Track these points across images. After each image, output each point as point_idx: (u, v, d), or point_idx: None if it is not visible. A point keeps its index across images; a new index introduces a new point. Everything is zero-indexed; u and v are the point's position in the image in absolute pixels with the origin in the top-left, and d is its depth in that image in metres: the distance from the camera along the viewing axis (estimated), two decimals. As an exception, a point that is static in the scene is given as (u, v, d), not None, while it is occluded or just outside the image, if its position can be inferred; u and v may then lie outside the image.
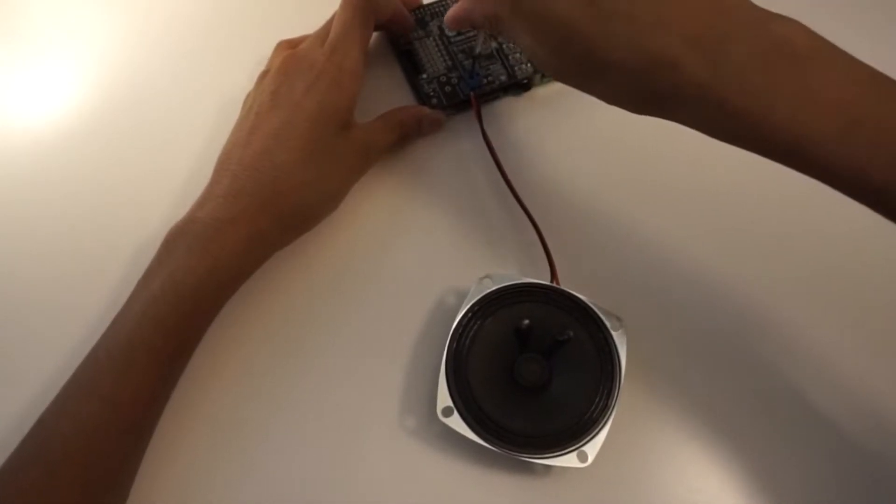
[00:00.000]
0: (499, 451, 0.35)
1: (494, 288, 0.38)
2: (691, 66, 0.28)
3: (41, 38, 0.47)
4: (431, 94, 0.44)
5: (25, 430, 0.32)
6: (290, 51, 0.40)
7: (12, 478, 0.31)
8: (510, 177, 0.41)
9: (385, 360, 0.39)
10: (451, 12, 0.36)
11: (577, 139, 0.44)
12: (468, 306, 0.37)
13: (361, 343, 0.39)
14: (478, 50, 0.43)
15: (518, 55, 0.44)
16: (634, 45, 0.28)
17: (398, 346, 0.39)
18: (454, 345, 0.37)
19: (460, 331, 0.37)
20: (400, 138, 0.42)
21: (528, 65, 0.44)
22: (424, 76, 0.44)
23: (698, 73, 0.28)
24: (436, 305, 0.40)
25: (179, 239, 0.35)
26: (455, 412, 0.35)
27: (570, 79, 0.32)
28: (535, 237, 0.40)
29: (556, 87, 0.46)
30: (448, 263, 0.41)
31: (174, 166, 0.43)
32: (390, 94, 0.45)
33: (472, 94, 0.43)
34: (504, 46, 0.45)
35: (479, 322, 0.37)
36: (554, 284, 0.39)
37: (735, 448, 0.38)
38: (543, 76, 0.45)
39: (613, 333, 0.37)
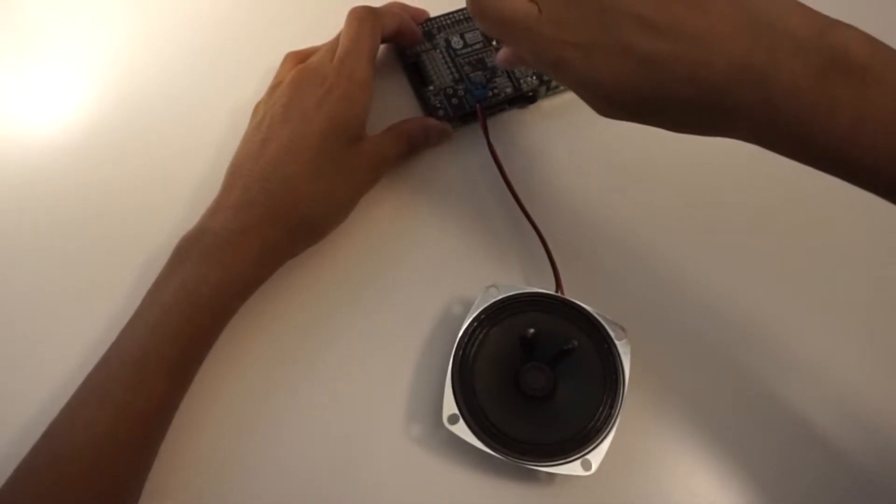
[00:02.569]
0: (503, 458, 0.35)
1: (500, 297, 0.38)
2: (741, 90, 0.27)
3: (50, 44, 0.47)
4: (438, 105, 0.44)
5: (36, 436, 0.33)
6: (301, 64, 0.41)
7: (23, 484, 0.32)
8: (515, 188, 0.42)
9: (391, 367, 0.39)
10: (500, 55, 0.38)
11: (582, 151, 0.45)
12: (474, 315, 0.38)
13: (368, 351, 0.40)
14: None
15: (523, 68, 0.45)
16: (679, 81, 0.28)
17: (405, 354, 0.40)
18: (460, 353, 0.37)
19: (466, 339, 0.37)
20: (407, 149, 0.43)
21: (534, 77, 0.45)
22: (431, 88, 0.45)
23: (749, 97, 0.27)
24: (442, 314, 0.40)
25: (191, 249, 0.35)
26: (461, 420, 0.36)
27: (616, 117, 0.31)
28: (541, 247, 0.40)
29: (562, 100, 0.46)
30: (454, 273, 0.41)
31: (183, 175, 0.43)
32: (397, 106, 0.45)
33: (478, 106, 0.43)
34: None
35: (484, 331, 0.38)
36: (559, 294, 0.39)
37: (738, 456, 0.38)
38: (549, 89, 0.46)
39: (617, 343, 0.37)
